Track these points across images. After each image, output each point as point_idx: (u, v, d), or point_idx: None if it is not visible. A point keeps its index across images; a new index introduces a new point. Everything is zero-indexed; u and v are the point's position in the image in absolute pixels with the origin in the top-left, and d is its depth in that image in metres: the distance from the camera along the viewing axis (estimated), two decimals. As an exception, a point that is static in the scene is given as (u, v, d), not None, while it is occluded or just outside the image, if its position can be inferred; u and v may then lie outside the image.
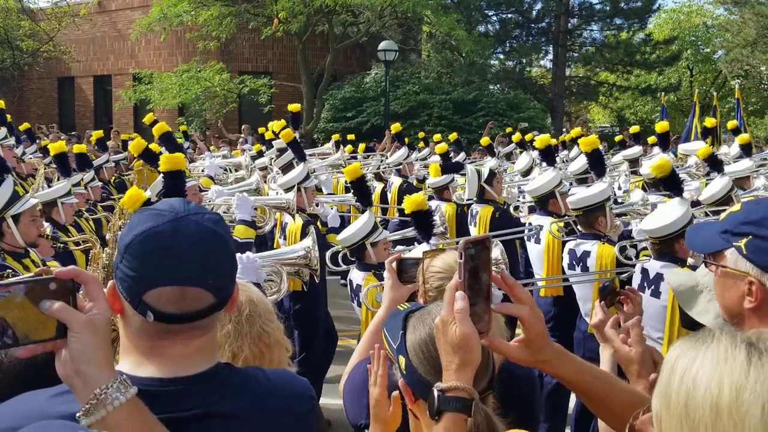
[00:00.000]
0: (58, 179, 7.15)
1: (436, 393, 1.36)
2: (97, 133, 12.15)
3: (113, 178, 9.81)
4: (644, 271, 4.18)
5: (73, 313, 1.20)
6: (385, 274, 2.53)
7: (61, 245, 5.36)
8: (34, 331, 1.19)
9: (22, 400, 1.33)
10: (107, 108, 25.39)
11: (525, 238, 5.70)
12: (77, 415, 1.18)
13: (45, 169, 8.48)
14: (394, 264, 2.50)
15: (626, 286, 2.27)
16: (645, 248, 4.56)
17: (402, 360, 1.51)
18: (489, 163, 8.19)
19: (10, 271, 4.13)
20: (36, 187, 7.59)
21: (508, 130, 15.09)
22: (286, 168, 6.86)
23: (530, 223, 5.71)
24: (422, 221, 4.07)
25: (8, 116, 9.86)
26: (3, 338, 1.17)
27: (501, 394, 1.59)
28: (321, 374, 5.61)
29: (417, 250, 3.50)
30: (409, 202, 4.03)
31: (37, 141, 11.13)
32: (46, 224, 5.54)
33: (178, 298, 1.30)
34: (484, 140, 10.77)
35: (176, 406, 1.31)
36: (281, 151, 8.13)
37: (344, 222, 6.19)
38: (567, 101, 27.04)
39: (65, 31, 24.72)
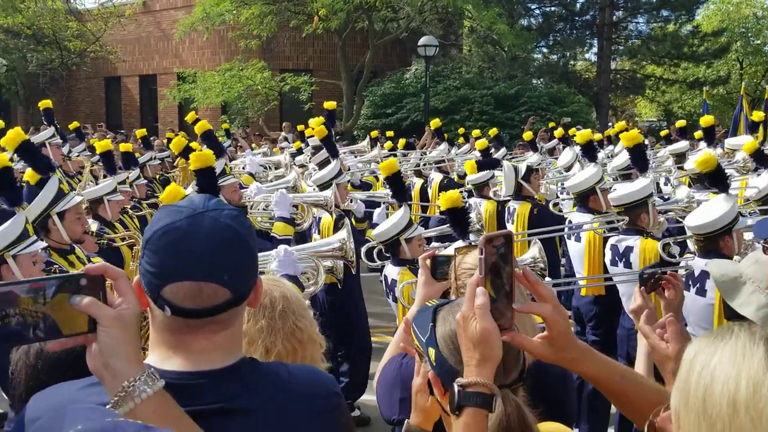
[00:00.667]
0: (104, 177, 7.32)
1: (456, 388, 1.37)
2: (141, 132, 12.42)
3: (158, 175, 10.00)
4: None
5: (102, 308, 1.23)
6: (419, 270, 2.53)
7: (105, 242, 5.49)
8: (67, 325, 1.22)
9: (54, 390, 1.37)
10: (153, 107, 25.90)
11: (565, 235, 5.63)
12: (107, 407, 1.21)
13: (91, 166, 8.69)
14: (427, 261, 2.50)
15: (667, 271, 2.22)
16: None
17: (432, 352, 1.52)
18: (530, 158, 8.11)
19: (56, 266, 4.25)
20: (82, 185, 7.78)
21: (551, 125, 14.88)
22: (323, 165, 6.90)
23: (569, 221, 5.63)
24: (458, 218, 4.05)
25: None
26: (36, 331, 1.20)
27: (530, 389, 1.59)
28: (358, 370, 5.63)
29: (452, 248, 3.49)
30: (445, 199, 4.02)
31: (86, 139, 11.42)
32: (92, 221, 5.68)
33: (194, 293, 1.31)
34: (527, 135, 10.64)
35: (200, 399, 1.32)
36: (316, 149, 8.17)
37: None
38: (612, 95, 26.57)
39: (111, 32, 25.22)
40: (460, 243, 3.97)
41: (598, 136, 12.94)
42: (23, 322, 1.19)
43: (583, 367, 1.47)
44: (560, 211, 6.14)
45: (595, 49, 26.65)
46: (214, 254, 1.32)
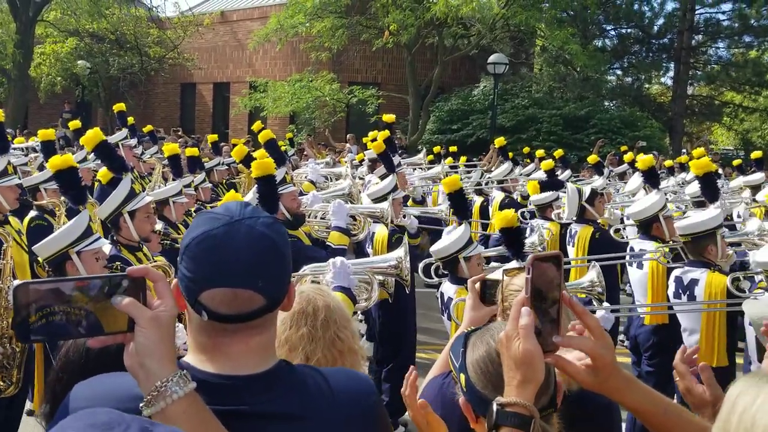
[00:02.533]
0: (173, 179, 7.55)
1: (495, 407, 1.35)
2: (212, 137, 12.79)
3: (224, 180, 10.24)
4: (757, 306, 3.90)
5: (140, 309, 1.26)
6: (468, 294, 2.49)
7: (169, 242, 5.64)
8: (108, 323, 1.26)
9: (98, 380, 1.41)
10: (225, 114, 26.60)
11: (627, 263, 5.46)
12: (140, 405, 1.24)
13: (163, 169, 8.98)
14: (477, 285, 2.46)
15: None
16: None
17: (462, 378, 1.51)
18: (596, 182, 7.93)
19: (118, 264, 4.39)
20: (152, 186, 8.05)
21: (623, 148, 14.52)
22: (384, 178, 6.91)
23: (631, 248, 5.47)
24: (512, 238, 3.99)
25: (131, 119, 10.54)
26: (79, 328, 1.24)
27: (574, 418, 1.55)
28: (396, 388, 5.58)
29: (499, 271, 3.43)
30: (500, 219, 3.96)
31: (159, 142, 11.82)
32: (158, 222, 5.85)
33: (230, 299, 1.34)
34: (592, 158, 10.42)
35: (238, 400, 1.35)
36: (372, 161, 8.20)
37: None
38: (687, 121, 25.78)
39: (189, 40, 26.05)
40: (515, 264, 3.91)
41: (669, 162, 12.58)
42: (68, 319, 1.23)
43: (625, 397, 1.44)
44: (622, 237, 5.97)
45: (671, 73, 25.97)
46: (250, 262, 1.35)
